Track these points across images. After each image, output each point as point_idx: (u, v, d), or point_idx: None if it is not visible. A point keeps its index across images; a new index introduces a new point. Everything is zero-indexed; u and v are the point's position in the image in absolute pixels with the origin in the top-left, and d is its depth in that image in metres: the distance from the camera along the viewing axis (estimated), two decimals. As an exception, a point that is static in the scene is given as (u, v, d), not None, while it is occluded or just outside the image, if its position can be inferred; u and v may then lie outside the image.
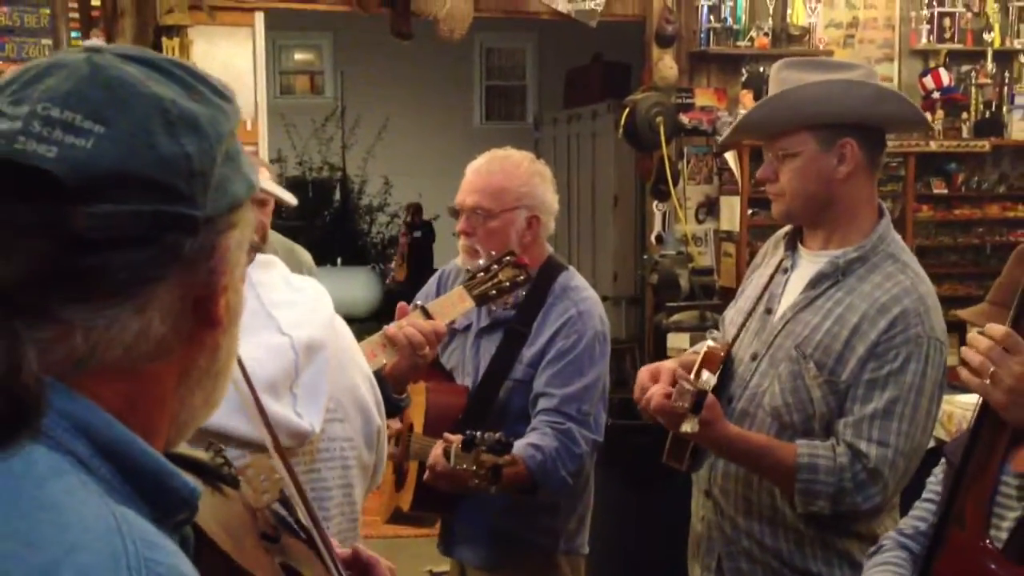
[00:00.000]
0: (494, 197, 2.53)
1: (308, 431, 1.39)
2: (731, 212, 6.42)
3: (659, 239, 6.54)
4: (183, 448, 0.93)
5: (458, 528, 2.64)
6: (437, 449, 2.30)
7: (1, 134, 0.72)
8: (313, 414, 1.43)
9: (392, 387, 2.19)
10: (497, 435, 2.21)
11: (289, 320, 1.45)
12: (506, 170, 2.55)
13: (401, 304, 2.38)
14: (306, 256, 4.35)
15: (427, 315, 2.28)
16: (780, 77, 2.12)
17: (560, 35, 9.51)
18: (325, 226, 11.49)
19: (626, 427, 4.08)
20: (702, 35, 6.28)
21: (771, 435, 2.09)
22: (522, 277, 2.43)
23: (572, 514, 2.62)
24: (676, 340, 5.96)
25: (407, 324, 2.22)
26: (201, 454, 0.96)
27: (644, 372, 2.14)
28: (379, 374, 2.16)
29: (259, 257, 1.50)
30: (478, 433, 2.21)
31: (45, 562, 0.64)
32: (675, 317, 6.13)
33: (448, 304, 2.36)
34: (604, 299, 9.32)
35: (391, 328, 2.21)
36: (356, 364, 1.58)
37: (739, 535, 2.15)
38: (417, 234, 10.88)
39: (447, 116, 11.87)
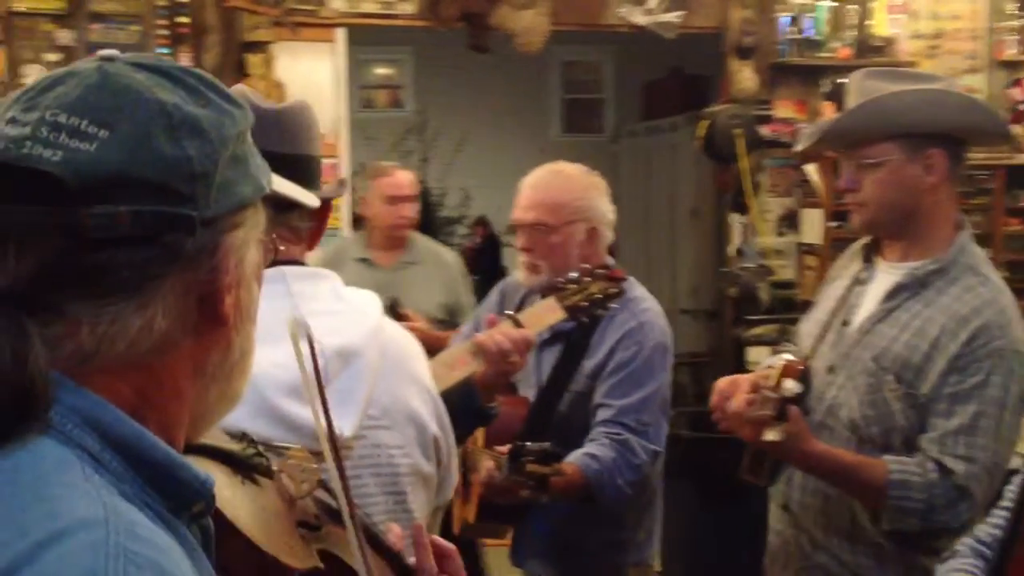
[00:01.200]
0: (553, 211, 2.54)
1: (336, 434, 1.41)
2: (812, 225, 6.34)
3: (739, 252, 6.49)
4: (217, 440, 0.96)
5: (526, 540, 2.65)
6: (488, 462, 2.31)
7: (11, 139, 0.76)
8: (345, 418, 1.44)
9: (481, 396, 2.19)
10: (545, 445, 2.20)
11: (323, 328, 1.44)
12: (563, 183, 2.56)
13: (490, 315, 2.39)
14: (450, 257, 4.43)
15: (518, 324, 2.28)
16: (862, 87, 2.10)
17: (639, 48, 9.48)
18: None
19: (704, 440, 4.06)
20: (782, 46, 6.21)
21: (850, 448, 2.06)
22: (615, 290, 2.42)
23: (640, 526, 2.61)
24: (755, 354, 5.90)
25: (497, 333, 2.22)
26: (233, 445, 0.99)
27: (723, 381, 2.12)
28: (469, 383, 2.17)
29: (306, 270, 1.53)
30: (526, 444, 2.21)
31: (28, 547, 0.68)
32: (754, 331, 6.08)
33: (539, 314, 2.36)
34: (683, 312, 9.17)
35: (481, 336, 2.21)
36: (410, 375, 1.57)
37: (816, 550, 2.12)
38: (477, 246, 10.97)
39: (525, 129, 11.90)
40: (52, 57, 5.42)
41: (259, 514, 0.96)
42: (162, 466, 0.78)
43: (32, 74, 5.43)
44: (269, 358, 1.32)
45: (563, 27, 6.20)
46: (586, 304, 2.38)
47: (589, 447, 2.42)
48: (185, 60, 5.58)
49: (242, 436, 1.03)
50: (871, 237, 2.22)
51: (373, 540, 1.17)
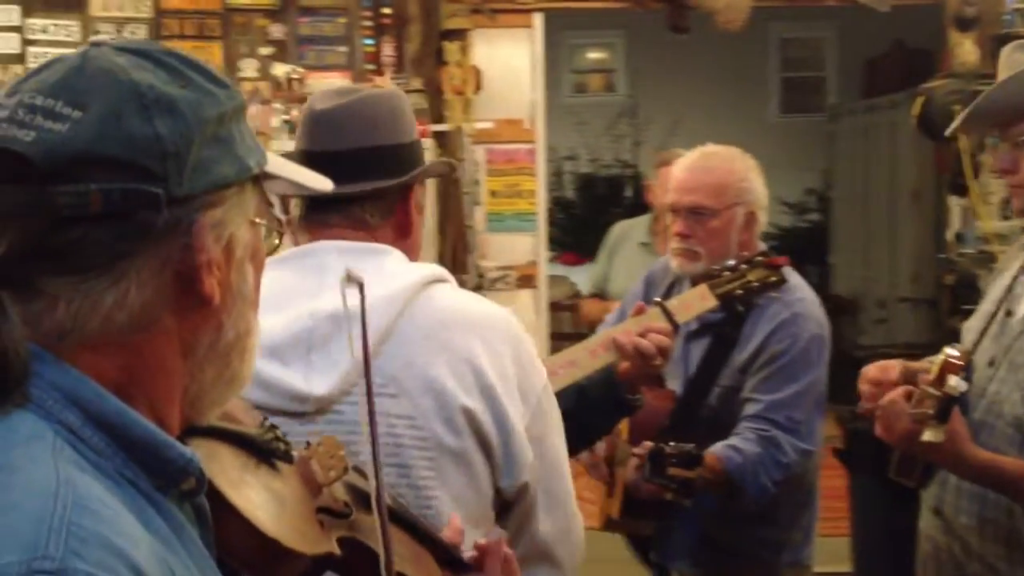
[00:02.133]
0: (714, 194, 2.44)
1: (307, 394, 1.40)
2: (1040, 207, 5.88)
3: (958, 237, 6.12)
4: (233, 423, 0.96)
5: (673, 538, 2.58)
6: (632, 460, 2.25)
7: None
8: (324, 378, 1.44)
9: (624, 387, 2.14)
10: (688, 447, 2.12)
11: (336, 298, 1.47)
12: (724, 165, 2.47)
13: (639, 303, 2.33)
14: None
15: (666, 313, 2.21)
16: (1011, 60, 1.94)
17: (861, 23, 9.08)
18: (616, 222, 11.54)
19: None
20: (1007, 16, 5.77)
21: (1013, 447, 1.90)
22: (774, 279, 2.31)
23: (795, 525, 2.50)
24: (971, 346, 5.54)
25: (638, 332, 2.13)
26: (251, 429, 0.99)
27: (872, 368, 2.00)
28: (611, 374, 2.12)
29: (358, 245, 1.52)
30: (669, 444, 2.13)
31: None
32: (972, 321, 5.71)
33: (689, 302, 2.26)
34: (901, 300, 8.68)
35: (620, 337, 2.12)
36: (443, 344, 1.50)
37: (970, 559, 1.97)
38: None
39: (741, 110, 11.61)
40: (265, 51, 5.72)
41: (269, 497, 0.96)
42: (144, 443, 0.80)
43: (247, 68, 5.75)
44: (268, 323, 1.33)
45: (770, 3, 6.01)
46: (741, 292, 2.28)
47: (733, 440, 2.33)
48: (388, 50, 5.76)
49: (263, 420, 1.04)
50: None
51: (411, 527, 1.16)
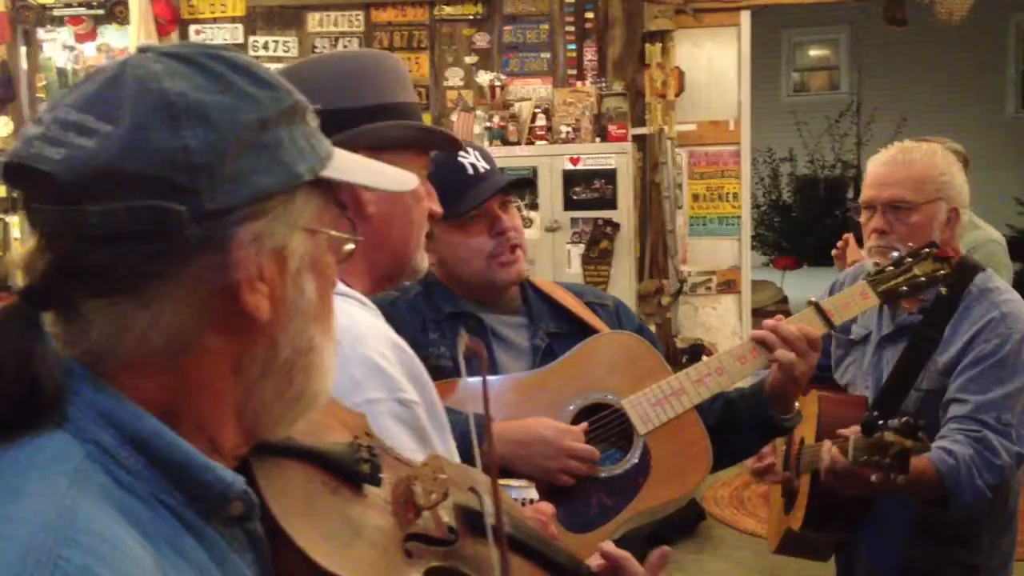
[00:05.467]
0: (915, 188, 2.26)
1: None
2: None
3: None
4: (318, 442, 0.89)
5: (858, 563, 2.41)
6: (832, 445, 2.08)
7: (27, 139, 0.75)
8: None
9: (774, 405, 2.02)
10: (904, 418, 1.95)
11: None
12: (926, 158, 2.29)
13: (773, 319, 2.17)
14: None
15: (822, 313, 2.08)
16: None
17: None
18: (836, 226, 11.11)
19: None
20: None
21: None
22: (943, 271, 2.14)
23: (995, 549, 2.29)
24: None
25: (783, 333, 2.01)
26: (334, 448, 0.90)
27: None
28: (760, 392, 2.02)
29: None
30: (879, 417, 1.96)
31: None
32: None
33: (846, 301, 2.10)
34: None
35: (767, 336, 1.96)
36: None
37: None
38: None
39: (975, 106, 10.96)
40: (469, 59, 5.82)
41: (340, 524, 0.86)
42: (180, 466, 0.75)
43: (453, 77, 5.88)
44: None
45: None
46: (906, 289, 2.12)
47: (942, 443, 2.15)
48: (589, 54, 5.75)
49: (352, 440, 0.92)
50: None
51: (533, 553, 1.07)
